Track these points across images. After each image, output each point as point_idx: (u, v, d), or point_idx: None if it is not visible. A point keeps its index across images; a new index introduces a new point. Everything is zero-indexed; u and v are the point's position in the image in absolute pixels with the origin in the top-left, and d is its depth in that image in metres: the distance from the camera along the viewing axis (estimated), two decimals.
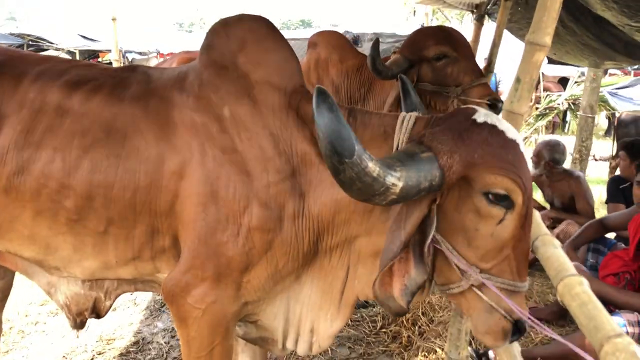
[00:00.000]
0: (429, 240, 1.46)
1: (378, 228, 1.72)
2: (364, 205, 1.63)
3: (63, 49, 13.99)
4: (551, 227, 4.41)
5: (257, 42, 1.88)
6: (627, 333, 2.80)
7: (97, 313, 2.09)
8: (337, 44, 3.80)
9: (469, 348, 3.21)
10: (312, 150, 1.77)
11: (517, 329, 1.56)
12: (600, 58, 3.95)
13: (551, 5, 1.97)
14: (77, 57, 13.99)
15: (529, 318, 1.46)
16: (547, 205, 5.03)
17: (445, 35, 3.16)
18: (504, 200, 1.47)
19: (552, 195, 4.79)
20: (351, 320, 3.84)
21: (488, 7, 4.52)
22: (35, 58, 2.02)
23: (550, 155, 4.60)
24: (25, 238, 1.88)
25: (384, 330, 3.73)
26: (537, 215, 1.97)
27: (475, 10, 4.75)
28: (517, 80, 2.25)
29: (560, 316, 3.58)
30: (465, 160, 1.42)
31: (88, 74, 1.93)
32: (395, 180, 1.31)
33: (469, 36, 4.51)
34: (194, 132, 1.78)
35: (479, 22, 4.73)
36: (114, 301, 2.09)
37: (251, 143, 1.76)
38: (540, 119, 10.98)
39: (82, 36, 15.15)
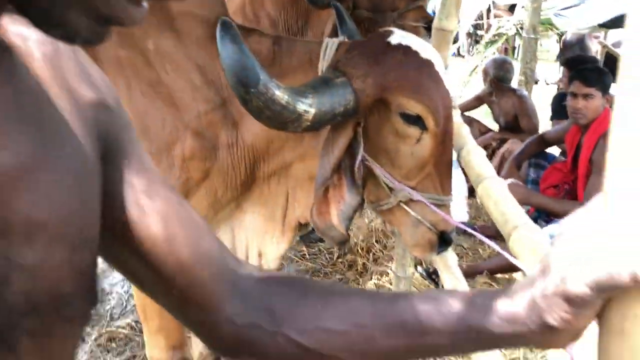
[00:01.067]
0: (357, 162, 1.50)
1: (311, 153, 1.74)
2: (294, 134, 1.64)
3: None
4: (497, 148, 4.51)
5: None
6: None
7: None
8: None
9: (419, 267, 3.33)
10: None
11: (443, 241, 1.64)
12: None
13: None
14: None
15: (465, 227, 1.53)
16: (496, 126, 5.12)
17: None
18: (419, 121, 1.50)
19: (499, 114, 4.88)
20: (309, 254, 3.92)
21: None
22: None
23: (495, 72, 4.64)
24: None
25: (340, 260, 3.81)
26: (464, 129, 2.02)
27: None
28: None
29: None
30: (378, 83, 1.45)
31: None
32: (307, 107, 1.32)
33: None
34: (119, 68, 1.74)
35: None
36: None
37: (177, 75, 1.72)
38: (490, 46, 11.01)
39: None
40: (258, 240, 1.95)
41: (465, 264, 3.31)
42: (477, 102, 5.05)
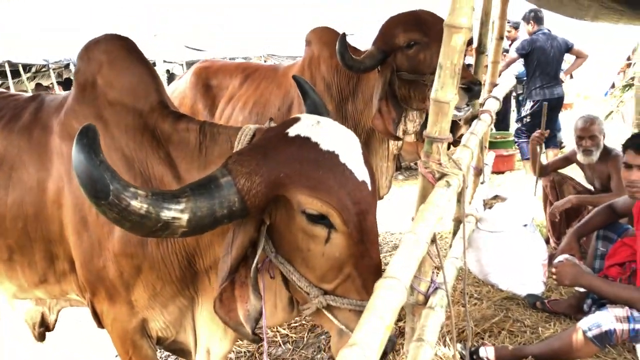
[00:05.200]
0: (254, 264, 1.41)
1: None
2: (220, 228, 1.54)
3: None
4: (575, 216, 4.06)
5: (111, 63, 1.87)
6: (615, 331, 2.56)
7: (46, 326, 2.29)
8: (329, 40, 3.76)
9: (459, 345, 3.09)
10: (168, 172, 1.76)
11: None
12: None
13: None
14: None
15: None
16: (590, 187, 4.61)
17: (414, 21, 3.04)
18: (323, 219, 1.37)
19: (592, 177, 4.40)
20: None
21: None
22: None
23: (601, 125, 4.16)
24: None
25: None
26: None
27: None
28: (439, 66, 2.15)
29: (578, 310, 3.32)
30: (268, 181, 1.33)
31: None
32: (177, 213, 1.23)
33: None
34: (61, 159, 1.82)
35: None
36: (57, 316, 2.27)
37: None
38: (628, 89, 10.03)
39: None
40: (206, 336, 1.92)
41: (512, 346, 2.99)
42: (565, 162, 4.60)
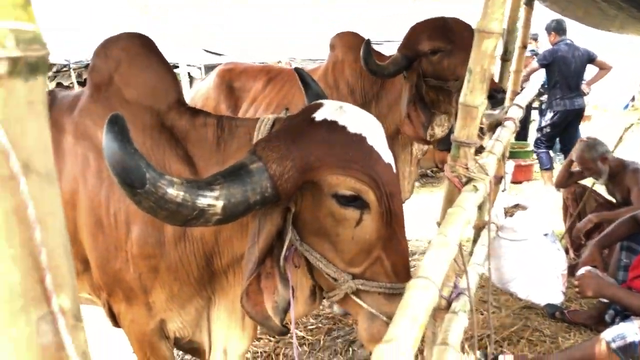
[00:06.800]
0: (283, 253, 1.41)
1: None
2: (239, 222, 1.54)
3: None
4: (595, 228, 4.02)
5: (129, 61, 1.85)
6: None
7: None
8: (353, 44, 3.78)
9: (478, 352, 3.07)
10: (186, 170, 1.74)
11: None
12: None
13: None
14: None
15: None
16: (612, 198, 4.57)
17: (438, 28, 3.05)
18: (355, 201, 1.38)
19: (613, 190, 4.37)
20: None
21: None
22: None
23: (597, 152, 4.20)
24: None
25: None
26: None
27: None
28: (469, 71, 2.15)
29: (598, 321, 3.29)
30: (299, 165, 1.33)
31: None
32: (212, 200, 1.22)
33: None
34: (75, 159, 1.79)
35: (529, 6, 4.48)
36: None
37: None
38: None
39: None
40: (223, 335, 1.92)
41: (532, 355, 2.97)
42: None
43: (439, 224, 2.15)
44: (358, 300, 1.47)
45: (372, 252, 1.44)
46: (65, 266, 0.40)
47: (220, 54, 16.18)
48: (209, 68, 15.77)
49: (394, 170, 1.46)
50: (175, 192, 1.18)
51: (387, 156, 1.44)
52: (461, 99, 2.16)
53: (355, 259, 1.45)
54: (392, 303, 1.42)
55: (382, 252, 1.44)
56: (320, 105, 1.49)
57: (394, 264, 1.45)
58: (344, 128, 1.40)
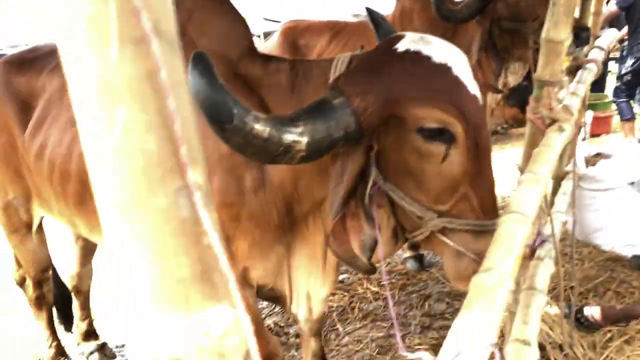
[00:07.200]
0: (367, 192, 1.39)
1: None
2: (318, 167, 1.53)
3: None
4: None
5: (201, 10, 1.84)
6: None
7: None
8: None
9: (563, 304, 2.97)
10: None
11: None
12: None
13: None
14: None
15: None
16: None
17: None
18: (442, 134, 1.32)
19: None
20: None
21: None
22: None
23: None
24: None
25: None
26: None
27: None
28: (553, 3, 2.03)
29: None
30: (382, 99, 1.29)
31: None
32: (296, 136, 1.20)
33: None
34: None
35: None
36: None
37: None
38: None
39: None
40: (305, 282, 1.93)
41: (620, 306, 2.85)
42: None
43: (521, 170, 2.06)
44: (444, 239, 1.43)
45: (459, 189, 1.39)
46: (196, 139, 0.39)
47: (279, 22, 16.15)
48: (268, 36, 15.80)
49: (481, 102, 1.39)
50: (262, 128, 1.18)
51: (473, 87, 1.37)
52: (544, 34, 2.05)
53: (441, 196, 1.40)
54: (480, 240, 1.37)
55: (469, 188, 1.38)
56: (401, 36, 1.43)
57: (481, 200, 1.39)
58: (428, 58, 1.34)
